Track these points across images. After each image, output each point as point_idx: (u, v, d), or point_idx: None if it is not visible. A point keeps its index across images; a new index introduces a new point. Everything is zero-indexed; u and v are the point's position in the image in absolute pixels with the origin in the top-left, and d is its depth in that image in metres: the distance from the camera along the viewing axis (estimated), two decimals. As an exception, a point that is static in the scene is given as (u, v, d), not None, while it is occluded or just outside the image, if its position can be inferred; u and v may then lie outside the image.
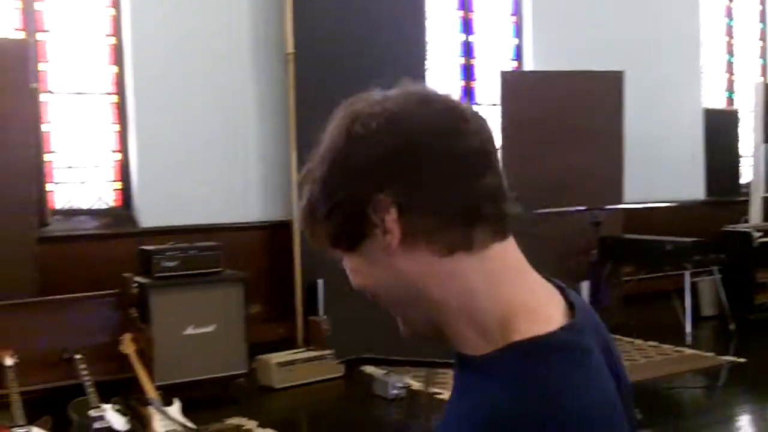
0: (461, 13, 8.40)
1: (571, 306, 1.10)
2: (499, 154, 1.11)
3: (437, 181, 1.04)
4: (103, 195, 6.69)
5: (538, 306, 1.06)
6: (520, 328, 1.02)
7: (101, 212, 6.68)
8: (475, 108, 1.11)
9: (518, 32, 8.68)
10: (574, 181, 7.47)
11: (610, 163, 7.89)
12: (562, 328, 1.04)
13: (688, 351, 7.07)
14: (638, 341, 7.18)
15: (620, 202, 7.70)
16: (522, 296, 1.06)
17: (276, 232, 6.92)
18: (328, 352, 6.21)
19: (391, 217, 1.03)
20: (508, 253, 1.09)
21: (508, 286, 1.06)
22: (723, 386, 6.54)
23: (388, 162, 1.04)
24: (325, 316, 6.41)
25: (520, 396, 0.97)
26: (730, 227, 8.36)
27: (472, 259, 1.05)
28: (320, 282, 6.39)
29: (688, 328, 7.52)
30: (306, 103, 6.65)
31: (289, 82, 6.74)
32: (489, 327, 1.05)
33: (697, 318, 7.71)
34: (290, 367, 6.07)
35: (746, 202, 9.15)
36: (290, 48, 6.73)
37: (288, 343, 6.51)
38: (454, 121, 1.07)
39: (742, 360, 6.76)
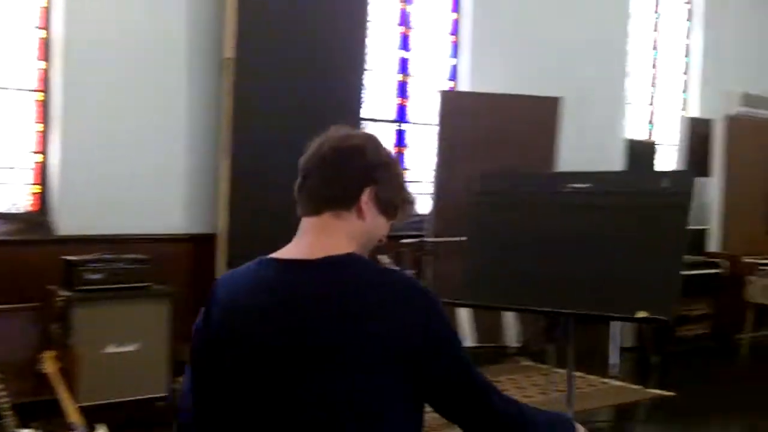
0: (401, 29, 8.23)
1: None
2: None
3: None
4: (18, 199, 6.23)
5: None
6: None
7: (14, 216, 6.21)
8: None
9: (456, 52, 8.58)
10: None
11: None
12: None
13: (615, 383, 7.07)
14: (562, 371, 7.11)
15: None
16: None
17: (200, 245, 6.60)
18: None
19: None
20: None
21: None
22: (654, 420, 6.55)
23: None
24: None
25: None
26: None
27: None
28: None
29: (614, 360, 7.52)
30: (242, 112, 6.40)
31: (225, 89, 6.46)
32: None
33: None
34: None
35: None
36: (228, 53, 6.45)
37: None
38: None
39: (669, 393, 6.78)
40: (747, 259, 8.31)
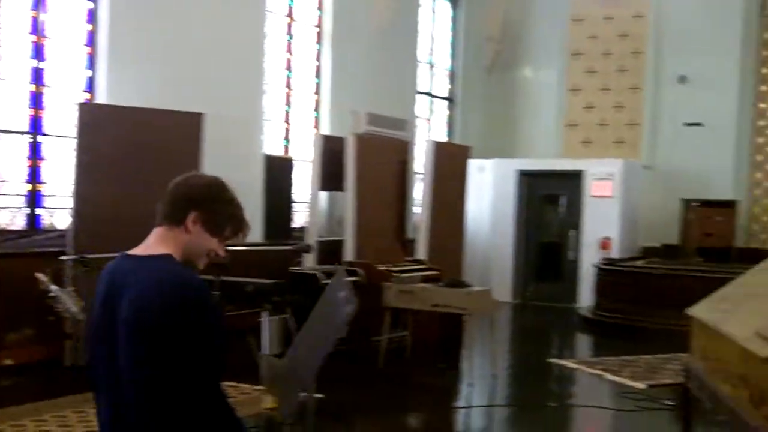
0: (34, 37, 7.79)
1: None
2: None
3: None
4: None
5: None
6: None
7: None
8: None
9: (92, 64, 8.29)
10: (148, 219, 7.28)
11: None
12: None
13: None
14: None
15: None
16: None
17: None
18: None
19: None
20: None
21: None
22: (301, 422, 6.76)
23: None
24: None
25: None
26: (297, 269, 8.73)
27: None
28: None
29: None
30: None
31: None
32: None
33: (267, 357, 7.90)
34: None
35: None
36: None
37: None
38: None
39: (319, 395, 7.05)
40: (381, 267, 8.90)
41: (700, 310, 4.72)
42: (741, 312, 4.25)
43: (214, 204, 2.47)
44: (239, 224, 2.52)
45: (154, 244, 2.43)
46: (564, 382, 8.42)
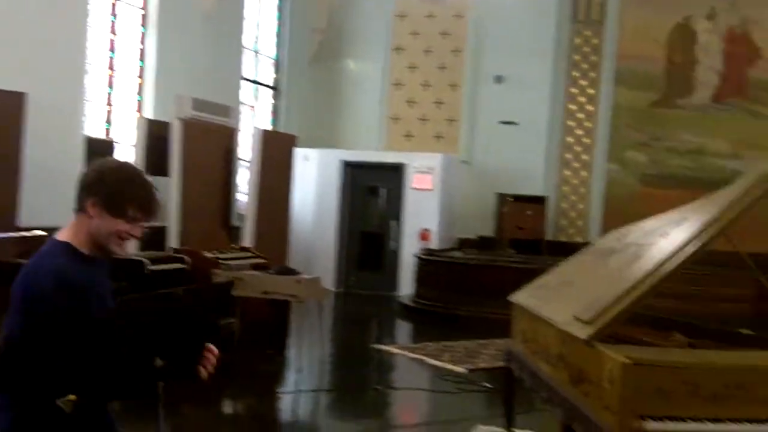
0: None
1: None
2: None
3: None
4: None
5: None
6: None
7: None
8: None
9: None
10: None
11: (6, 187, 7.52)
12: None
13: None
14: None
15: (14, 228, 7.40)
16: None
17: None
18: None
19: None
20: None
21: None
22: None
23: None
24: None
25: None
26: (121, 255, 8.51)
27: None
28: None
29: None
30: None
31: None
32: None
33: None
34: None
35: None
36: None
37: None
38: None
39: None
40: (208, 254, 8.85)
41: (520, 297, 5.03)
42: (558, 298, 4.57)
43: (109, 187, 2.60)
44: (142, 203, 2.63)
45: (64, 230, 2.67)
46: (387, 367, 8.71)
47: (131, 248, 9.19)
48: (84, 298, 2.56)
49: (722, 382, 3.27)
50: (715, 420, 3.22)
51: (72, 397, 2.43)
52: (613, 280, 3.97)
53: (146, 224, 2.69)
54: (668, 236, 4.00)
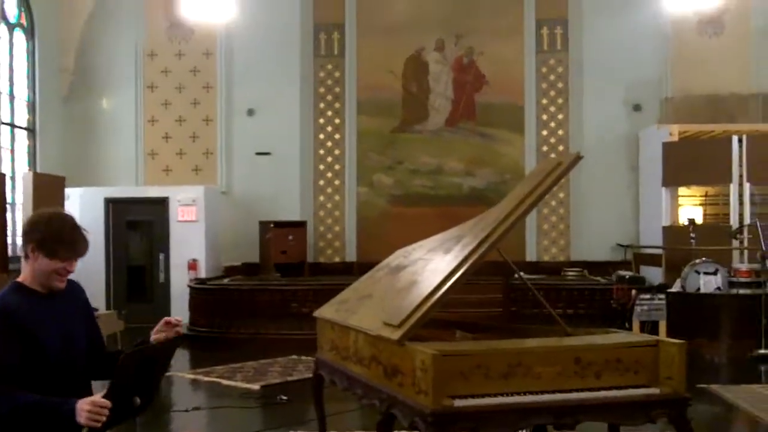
0: None
1: None
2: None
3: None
4: None
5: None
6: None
7: None
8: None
9: None
10: None
11: None
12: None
13: None
14: None
15: None
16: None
17: None
18: None
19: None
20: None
21: None
22: None
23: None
24: None
25: None
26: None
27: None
28: None
29: None
30: None
31: None
32: None
33: None
34: None
35: None
36: None
37: None
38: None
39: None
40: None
41: (325, 312, 5.78)
42: (361, 310, 5.37)
43: (41, 234, 3.21)
44: (70, 245, 3.25)
45: (22, 272, 3.33)
46: (188, 390, 9.04)
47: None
48: (22, 327, 3.15)
49: (506, 362, 4.22)
50: (506, 394, 4.16)
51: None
52: (411, 290, 4.80)
53: (78, 259, 3.29)
54: (451, 251, 4.95)
